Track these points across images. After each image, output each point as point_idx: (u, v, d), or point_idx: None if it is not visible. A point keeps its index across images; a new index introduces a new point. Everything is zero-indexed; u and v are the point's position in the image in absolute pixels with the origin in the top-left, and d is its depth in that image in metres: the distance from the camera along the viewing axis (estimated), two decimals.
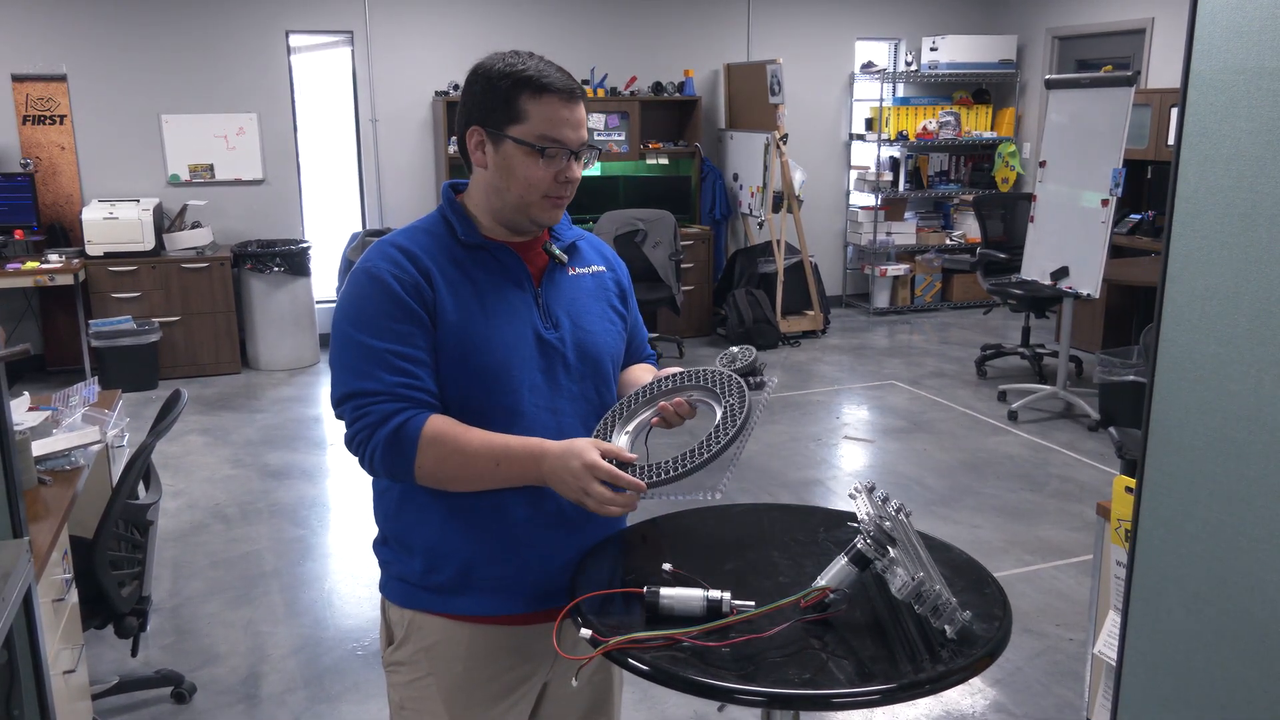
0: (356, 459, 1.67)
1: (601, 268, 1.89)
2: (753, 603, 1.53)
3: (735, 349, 1.79)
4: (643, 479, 1.58)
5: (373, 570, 1.87)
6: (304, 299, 7.08)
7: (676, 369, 1.79)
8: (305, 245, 7.05)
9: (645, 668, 1.42)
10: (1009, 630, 1.52)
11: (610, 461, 1.61)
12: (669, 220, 7.40)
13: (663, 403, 1.71)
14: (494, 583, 1.75)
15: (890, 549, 1.52)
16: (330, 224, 7.64)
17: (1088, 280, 5.72)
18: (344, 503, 4.84)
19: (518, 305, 1.74)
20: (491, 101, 1.69)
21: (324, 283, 7.34)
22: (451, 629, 1.77)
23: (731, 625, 1.49)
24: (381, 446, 1.62)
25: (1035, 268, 6.09)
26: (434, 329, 1.67)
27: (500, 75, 1.68)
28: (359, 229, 7.50)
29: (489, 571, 1.74)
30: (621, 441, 1.68)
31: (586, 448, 1.62)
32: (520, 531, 1.73)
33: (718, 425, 1.62)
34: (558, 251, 1.80)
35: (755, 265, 8.00)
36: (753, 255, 8.09)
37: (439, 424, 1.65)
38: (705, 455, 1.58)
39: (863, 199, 8.92)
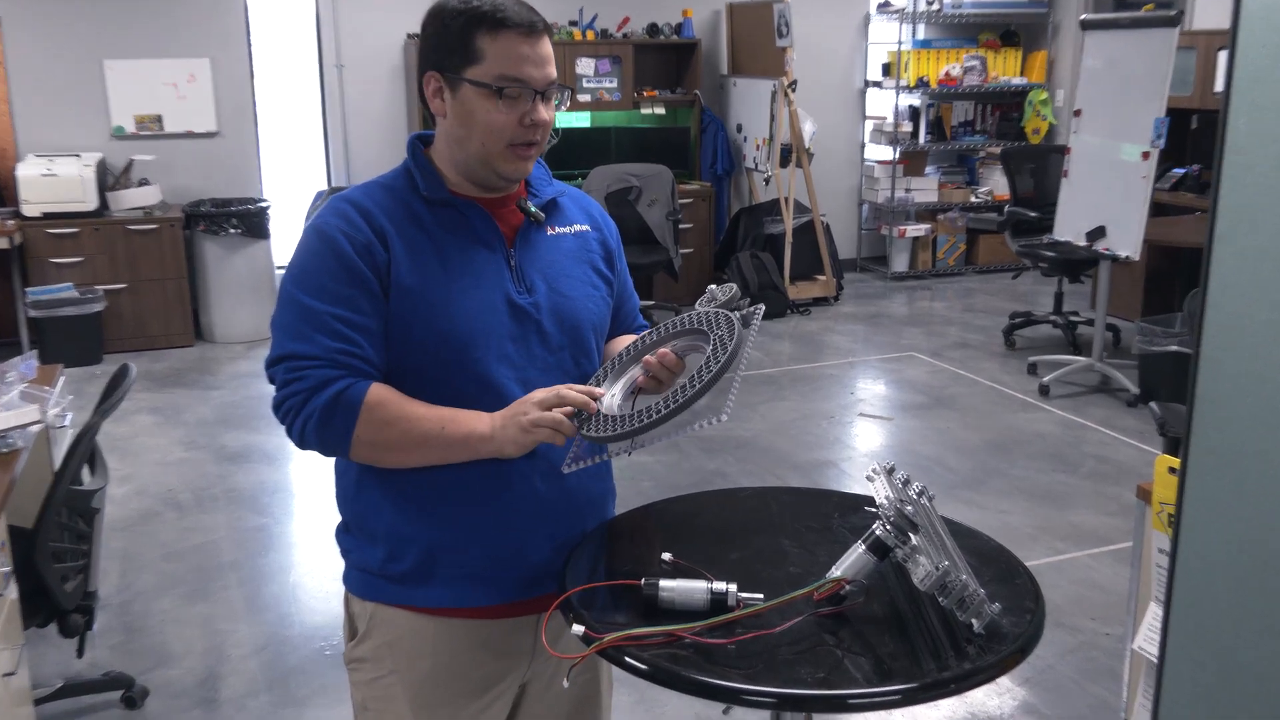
0: (285, 427, 1.68)
1: (585, 227, 1.89)
2: (761, 595, 1.53)
3: (715, 286, 1.79)
4: (631, 425, 1.59)
5: (338, 560, 1.88)
6: (263, 264, 7.05)
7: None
8: (264, 205, 7.02)
9: (644, 667, 1.43)
10: (1041, 624, 1.53)
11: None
12: (665, 176, 7.38)
13: (646, 358, 1.71)
14: (460, 571, 1.76)
15: (911, 536, 1.52)
16: (292, 181, 7.61)
17: (1127, 241, 5.73)
18: (309, 488, 4.85)
19: (486, 268, 1.74)
20: (446, 43, 1.69)
21: (285, 246, 7.32)
22: (416, 623, 1.78)
23: (738, 620, 1.50)
24: (318, 414, 1.63)
25: (1069, 227, 6.08)
26: (386, 294, 1.67)
27: (454, 14, 1.68)
28: (323, 187, 7.48)
29: (454, 559, 1.75)
30: (613, 404, 1.68)
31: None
32: (489, 514, 1.74)
33: (708, 356, 1.61)
34: (533, 209, 1.80)
35: (761, 225, 7.98)
36: (758, 214, 8.07)
37: (381, 392, 1.66)
38: (693, 390, 1.57)
39: (879, 152, 8.90)
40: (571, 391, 1.65)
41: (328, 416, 1.63)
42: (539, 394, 1.66)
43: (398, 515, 1.75)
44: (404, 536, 1.75)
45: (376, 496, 1.77)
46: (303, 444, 1.69)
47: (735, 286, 1.78)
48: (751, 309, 1.73)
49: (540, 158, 1.87)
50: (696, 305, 1.77)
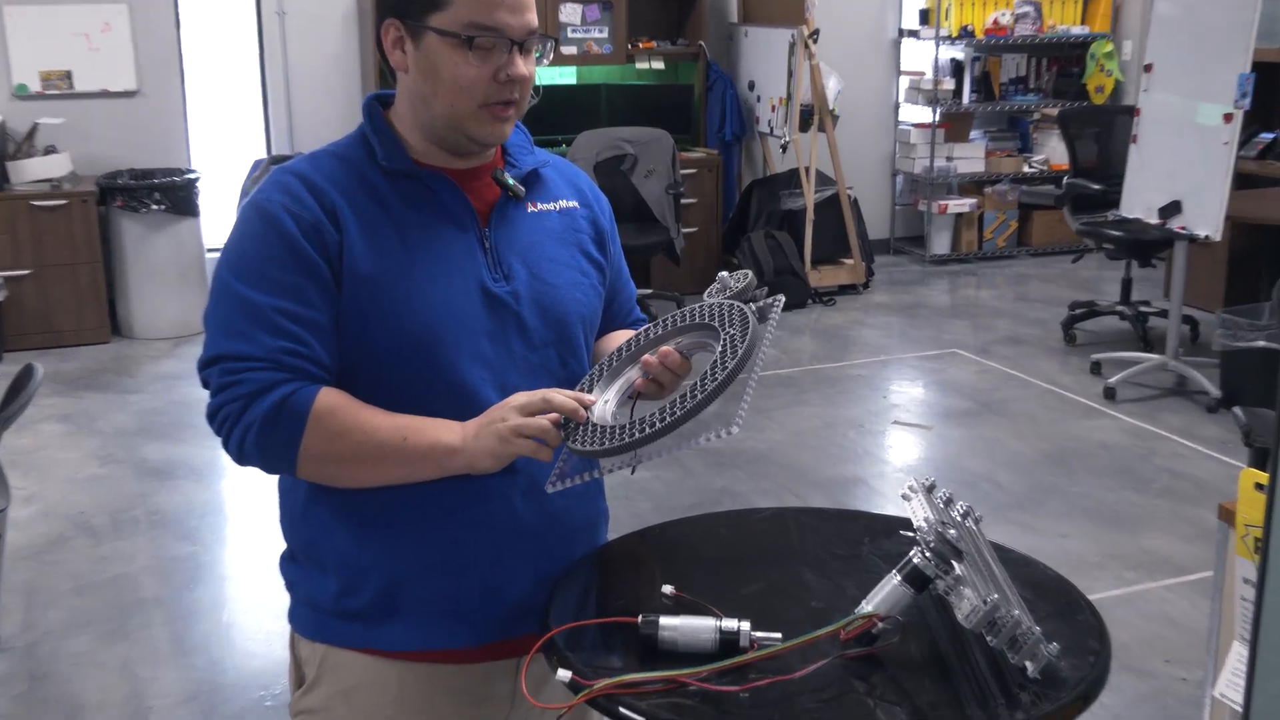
0: (220, 440, 1.68)
1: (573, 203, 1.89)
2: (779, 635, 1.54)
3: (726, 274, 1.79)
4: (627, 437, 1.58)
5: (283, 596, 1.88)
6: (191, 246, 7.05)
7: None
8: (193, 176, 7.02)
9: (641, 718, 1.43)
10: (1106, 668, 1.53)
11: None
12: (665, 142, 7.38)
13: (646, 356, 1.71)
14: (427, 608, 1.75)
15: (955, 565, 1.52)
16: (226, 149, 7.59)
17: (1206, 218, 5.73)
18: (246, 509, 4.85)
19: (457, 251, 1.74)
20: None
21: (218, 225, 7.31)
22: (375, 668, 1.78)
23: (752, 664, 1.50)
24: (259, 424, 1.63)
25: (1138, 202, 6.09)
26: (338, 284, 1.67)
27: None
28: (262, 156, 7.46)
29: (419, 593, 1.75)
30: (606, 412, 1.68)
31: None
32: (461, 541, 1.74)
33: (715, 359, 1.61)
34: (512, 181, 1.80)
35: (777, 200, 7.99)
36: (774, 187, 8.08)
37: (332, 397, 1.66)
38: (700, 395, 1.57)
39: (916, 114, 8.91)
40: (559, 396, 1.64)
41: (270, 427, 1.63)
42: (519, 398, 1.65)
43: (353, 541, 1.75)
44: (360, 566, 1.75)
45: (328, 519, 1.76)
46: (242, 459, 1.68)
47: (750, 274, 1.77)
48: (770, 300, 1.73)
49: (520, 121, 1.87)
50: (705, 296, 1.77)
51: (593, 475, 1.69)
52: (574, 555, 1.82)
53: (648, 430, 1.58)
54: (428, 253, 1.72)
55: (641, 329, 1.81)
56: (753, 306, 1.71)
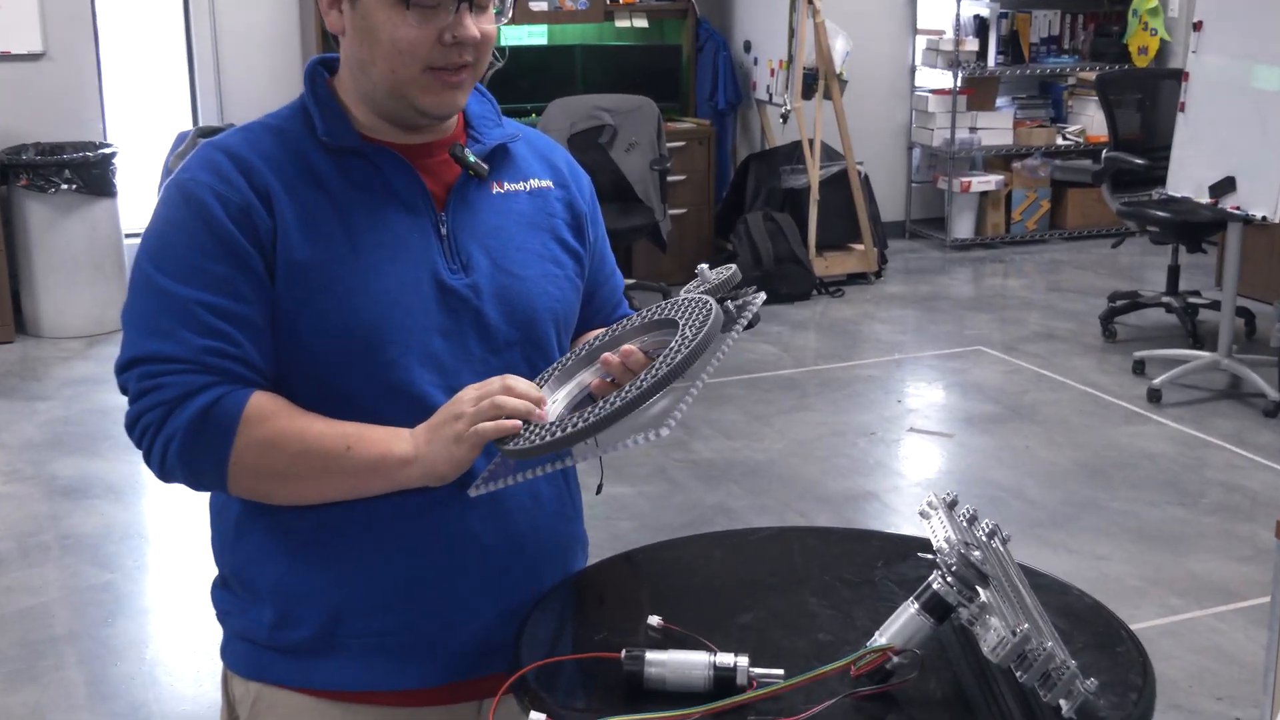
0: (142, 453, 1.68)
1: (546, 182, 1.88)
2: (781, 671, 1.54)
3: (706, 266, 1.79)
4: (547, 436, 1.58)
5: (215, 629, 1.88)
6: (107, 231, 7.02)
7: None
8: (109, 151, 6.99)
9: None
10: (1150, 706, 1.54)
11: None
12: (649, 111, 7.38)
13: (606, 355, 1.71)
14: (373, 643, 1.75)
15: (980, 591, 1.53)
16: (146, 119, 7.55)
17: (1263, 197, 5.75)
18: (171, 532, 4.83)
19: (408, 238, 1.73)
20: None
21: (138, 207, 7.28)
22: (315, 710, 1.78)
23: (751, 704, 1.51)
24: (182, 434, 1.62)
25: (1187, 179, 6.10)
26: (271, 275, 1.67)
27: None
28: (188, 127, 7.44)
29: (364, 626, 1.75)
30: (554, 413, 1.68)
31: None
32: (412, 566, 1.74)
33: (666, 352, 1.60)
34: (473, 159, 1.79)
35: (777, 177, 8.00)
36: (773, 163, 8.09)
37: (265, 403, 1.66)
38: (633, 393, 1.56)
39: (935, 79, 8.93)
40: (512, 397, 1.62)
41: (195, 437, 1.63)
42: (471, 391, 1.65)
43: (290, 567, 1.75)
44: (298, 595, 1.75)
45: (262, 542, 1.76)
46: (165, 474, 1.68)
47: (735, 269, 1.77)
48: (748, 298, 1.73)
49: (484, 88, 1.87)
50: (682, 291, 1.77)
51: (523, 476, 1.66)
52: (543, 585, 1.82)
53: (569, 430, 1.56)
54: (373, 241, 1.71)
55: (601, 332, 1.79)
56: (730, 304, 1.71)
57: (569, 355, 1.77)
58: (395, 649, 1.76)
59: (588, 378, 1.74)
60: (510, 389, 1.63)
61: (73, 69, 7.29)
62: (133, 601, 4.36)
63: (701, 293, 1.72)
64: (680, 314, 1.68)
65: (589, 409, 1.58)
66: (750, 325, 1.72)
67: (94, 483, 5.21)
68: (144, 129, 7.53)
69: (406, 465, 1.66)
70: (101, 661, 3.96)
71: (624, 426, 1.58)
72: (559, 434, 1.57)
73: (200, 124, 7.51)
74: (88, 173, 6.87)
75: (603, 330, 1.80)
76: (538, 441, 1.58)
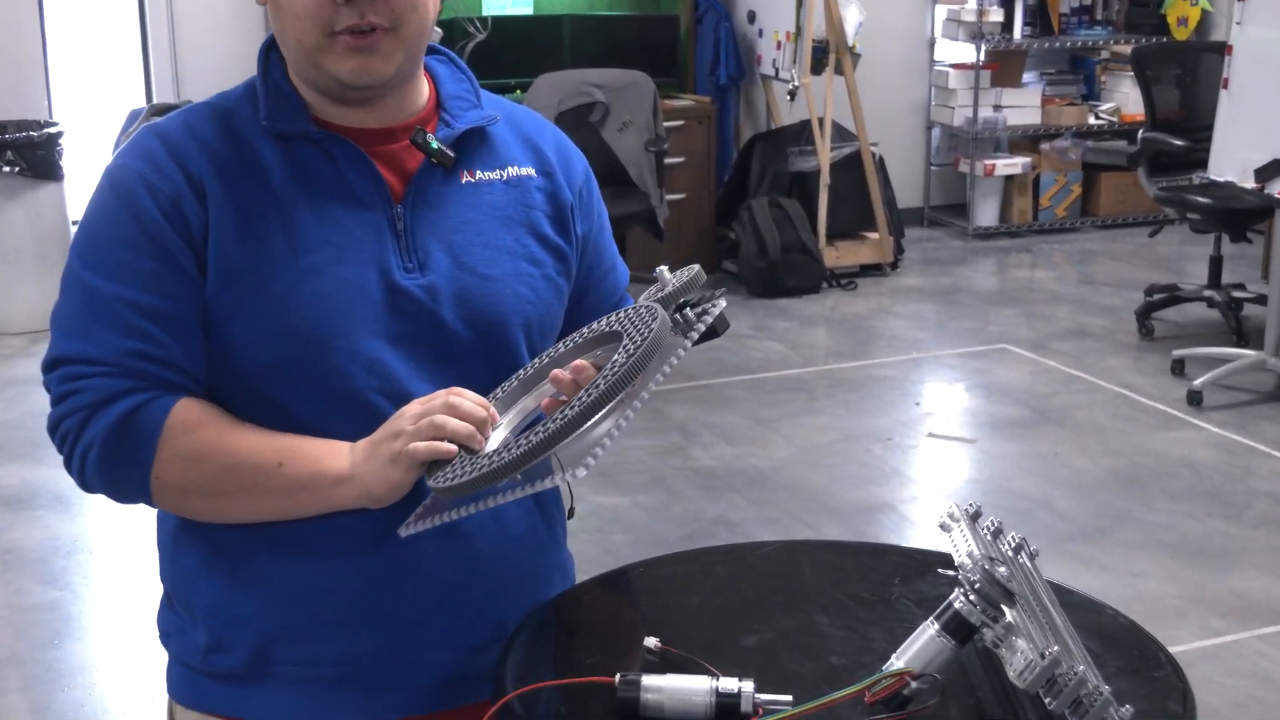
0: (63, 460, 1.69)
1: (527, 170, 1.85)
2: (789, 697, 1.54)
3: (665, 269, 1.75)
4: (472, 472, 1.54)
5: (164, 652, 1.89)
6: (52, 218, 7.01)
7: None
8: (54, 131, 6.98)
9: None
10: None
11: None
12: (644, 87, 7.37)
13: (556, 371, 1.69)
14: (309, 672, 1.75)
15: (1005, 611, 1.54)
16: (96, 97, 7.54)
17: None
18: (121, 545, 4.81)
19: (357, 234, 1.71)
20: None
21: (86, 192, 7.27)
22: None
23: None
24: (100, 442, 1.63)
25: (1231, 162, 6.10)
26: (203, 273, 1.67)
27: None
28: (141, 105, 7.43)
29: (301, 653, 1.74)
30: (496, 441, 1.66)
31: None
32: (353, 591, 1.73)
33: (605, 367, 1.58)
34: (436, 144, 1.76)
35: (784, 160, 8.00)
36: (780, 144, 8.09)
37: (192, 411, 1.66)
38: (558, 423, 1.52)
39: (956, 52, 8.92)
40: (455, 418, 1.58)
41: (113, 446, 1.63)
42: (415, 406, 1.63)
43: (224, 587, 1.75)
44: (232, 617, 1.75)
45: (197, 559, 1.77)
46: (86, 485, 1.69)
47: (698, 269, 1.72)
48: (706, 304, 1.70)
49: (461, 63, 1.86)
50: (641, 297, 1.75)
51: (459, 513, 1.63)
52: (507, 618, 1.79)
53: (498, 463, 1.53)
54: (317, 238, 1.69)
55: (552, 348, 1.77)
56: (689, 311, 1.69)
57: (524, 369, 1.75)
58: (333, 680, 1.75)
59: (533, 401, 1.72)
60: (453, 406, 1.60)
61: (14, 41, 7.28)
62: (81, 621, 4.35)
63: (658, 298, 1.70)
64: (628, 325, 1.65)
65: (525, 436, 1.55)
66: (711, 334, 1.70)
67: (38, 492, 5.19)
68: (93, 107, 7.52)
69: (341, 484, 1.65)
70: (47, 687, 3.95)
71: (565, 453, 1.54)
72: (487, 468, 1.53)
73: (154, 102, 7.49)
74: (31, 154, 6.85)
75: (546, 352, 1.76)
76: (465, 477, 1.54)
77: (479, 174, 1.81)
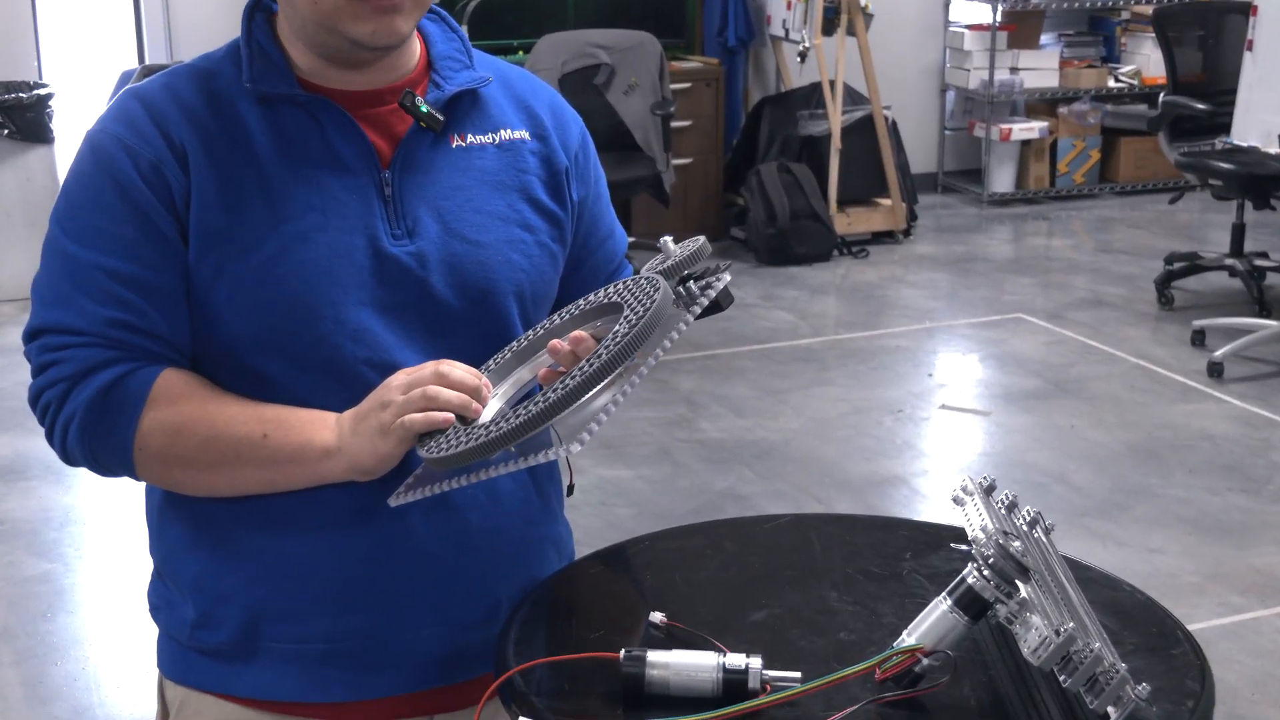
0: (44, 431, 1.69)
1: (520, 133, 1.84)
2: (798, 674, 1.54)
3: (669, 239, 1.72)
4: (468, 441, 1.54)
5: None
6: (42, 182, 7.01)
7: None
8: (44, 93, 6.98)
9: None
10: (1209, 714, 1.54)
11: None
12: (650, 49, 7.36)
13: (554, 341, 1.67)
14: (296, 648, 1.75)
15: (1020, 586, 1.53)
16: (87, 57, 7.53)
17: None
18: (115, 517, 4.82)
19: (344, 199, 1.70)
20: None
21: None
22: (234, 717, 1.78)
23: (764, 710, 1.51)
24: (82, 413, 1.63)
25: (1255, 126, 6.09)
26: (185, 241, 1.66)
27: None
28: (133, 65, 7.42)
29: (288, 629, 1.74)
30: (490, 412, 1.65)
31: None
32: (340, 566, 1.73)
33: (605, 339, 1.57)
34: (425, 108, 1.74)
35: (794, 124, 7.99)
36: (790, 107, 8.08)
37: (175, 383, 1.66)
38: (556, 395, 1.52)
39: (971, 12, 8.90)
40: (447, 387, 1.58)
41: (95, 417, 1.63)
42: (400, 377, 1.62)
43: (210, 561, 1.75)
44: (218, 593, 1.75)
45: (183, 533, 1.77)
46: (68, 457, 1.69)
47: (703, 240, 1.72)
48: (712, 276, 1.70)
49: (453, 22, 1.85)
50: (644, 268, 1.74)
51: (451, 484, 1.62)
52: (499, 596, 1.79)
53: (494, 433, 1.52)
54: (301, 204, 1.68)
55: (548, 318, 1.76)
56: (692, 284, 1.67)
57: (519, 339, 1.74)
58: (322, 657, 1.75)
59: (528, 372, 1.71)
60: (444, 375, 1.59)
61: (4, 1, 7.26)
62: (72, 594, 4.37)
63: (661, 270, 1.69)
64: (629, 296, 1.65)
65: (521, 406, 1.54)
66: (715, 308, 1.68)
67: (30, 463, 5.21)
68: (84, 68, 7.52)
69: (329, 457, 1.64)
70: (40, 660, 3.97)
71: (563, 426, 1.53)
72: (481, 439, 1.53)
73: (146, 63, 7.49)
74: (21, 116, 6.85)
75: (542, 323, 1.75)
76: (459, 448, 1.54)
77: (470, 138, 1.80)
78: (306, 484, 1.67)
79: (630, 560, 1.94)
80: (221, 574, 1.74)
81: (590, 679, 1.59)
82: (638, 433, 5.33)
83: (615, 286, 1.70)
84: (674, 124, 7.49)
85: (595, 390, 1.53)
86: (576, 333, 1.65)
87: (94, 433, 1.64)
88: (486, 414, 1.62)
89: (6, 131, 6.82)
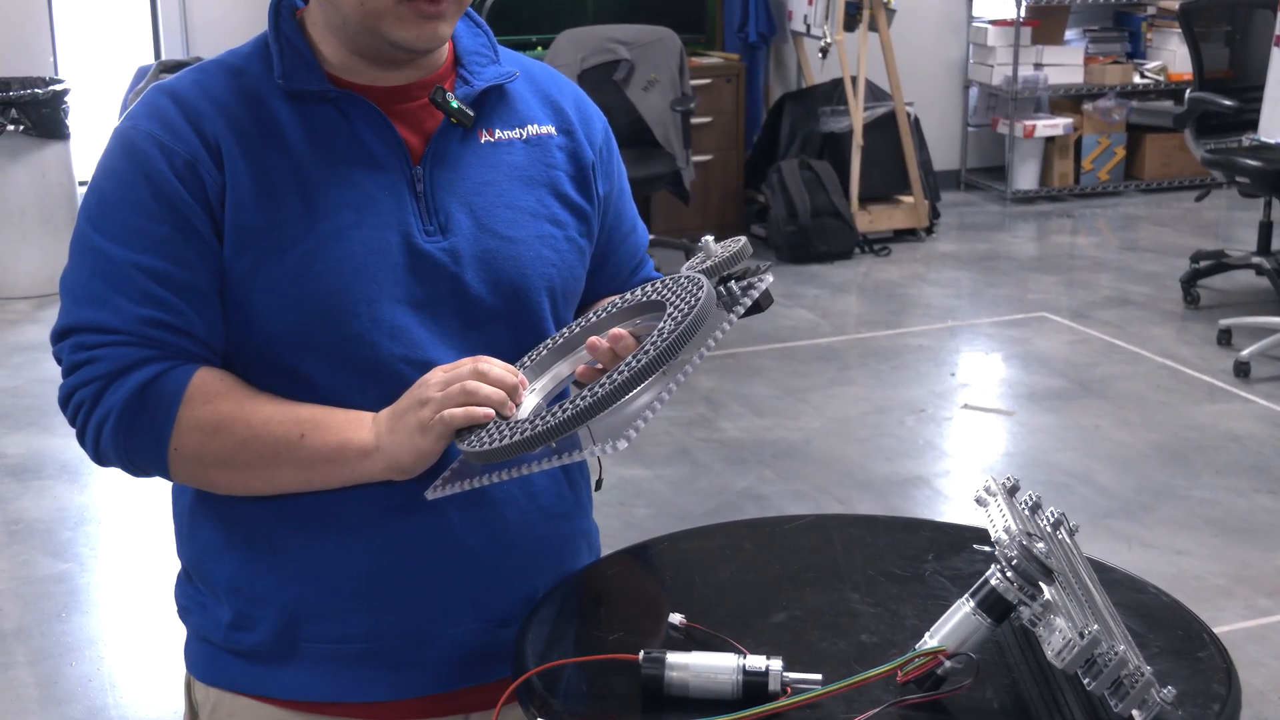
0: (75, 432, 1.69)
1: (547, 128, 1.85)
2: (819, 676, 1.55)
3: (711, 239, 1.74)
4: (511, 436, 1.55)
5: (178, 626, 1.89)
6: (59, 179, 7.03)
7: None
8: (61, 89, 6.99)
9: None
10: (1235, 719, 1.55)
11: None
12: (670, 44, 7.35)
13: (594, 338, 1.68)
14: (336, 649, 1.76)
15: (1044, 588, 1.54)
16: (103, 53, 7.54)
17: None
18: (131, 516, 4.84)
19: (376, 196, 1.71)
20: None
21: (93, 151, 7.29)
22: (272, 718, 1.79)
23: (785, 712, 1.52)
24: (117, 413, 1.63)
25: None
26: (219, 238, 1.67)
27: None
28: (150, 61, 7.44)
29: (326, 630, 1.75)
30: (528, 407, 1.66)
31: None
32: (378, 565, 1.74)
33: (649, 338, 1.58)
34: (456, 104, 1.75)
35: (816, 120, 7.98)
36: (811, 103, 8.07)
37: (211, 382, 1.66)
38: (611, 385, 1.53)
39: (996, 8, 8.89)
40: (486, 383, 1.59)
41: (131, 417, 1.63)
42: (439, 373, 1.63)
43: (245, 562, 1.76)
44: (254, 594, 1.75)
45: (215, 533, 1.77)
46: (100, 457, 1.69)
47: (744, 241, 1.73)
48: (752, 278, 1.70)
49: (478, 18, 1.85)
50: (684, 267, 1.75)
51: (489, 479, 1.63)
52: (536, 590, 1.80)
53: (536, 429, 1.53)
54: (336, 200, 1.69)
55: (587, 314, 1.77)
56: (733, 284, 1.68)
57: (556, 335, 1.75)
58: (360, 657, 1.76)
59: (567, 367, 1.72)
60: (482, 373, 1.60)
61: None
62: (88, 595, 4.38)
63: (702, 269, 1.69)
64: (671, 295, 1.65)
65: (564, 403, 1.55)
66: (756, 309, 1.69)
67: (46, 461, 5.22)
68: (100, 64, 7.52)
69: (366, 456, 1.65)
70: (55, 661, 3.98)
71: (603, 425, 1.55)
72: (524, 434, 1.53)
73: (163, 58, 7.50)
74: (36, 112, 6.86)
75: (581, 319, 1.76)
76: (500, 442, 1.55)
77: (498, 133, 1.81)
78: (344, 483, 1.68)
79: (650, 561, 1.94)
80: (257, 574, 1.75)
81: (609, 680, 1.60)
82: (657, 432, 5.32)
83: (654, 284, 1.71)
84: (694, 120, 7.47)
85: (639, 389, 1.53)
86: (615, 330, 1.66)
87: (129, 432, 1.64)
88: (524, 409, 1.63)
89: (22, 128, 6.83)
